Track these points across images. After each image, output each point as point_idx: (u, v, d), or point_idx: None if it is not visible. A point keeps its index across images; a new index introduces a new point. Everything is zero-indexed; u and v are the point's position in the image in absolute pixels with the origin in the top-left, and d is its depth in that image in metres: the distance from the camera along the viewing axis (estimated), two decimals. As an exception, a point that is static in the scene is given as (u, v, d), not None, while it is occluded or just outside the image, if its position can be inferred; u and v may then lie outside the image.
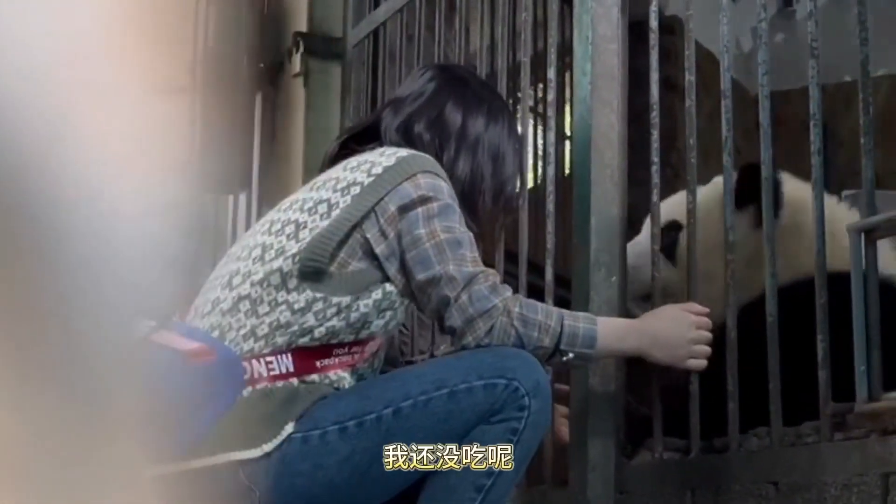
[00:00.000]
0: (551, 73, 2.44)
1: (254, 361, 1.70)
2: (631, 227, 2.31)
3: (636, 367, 2.18)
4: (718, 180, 2.27)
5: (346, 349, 1.75)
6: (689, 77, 2.14)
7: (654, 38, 2.22)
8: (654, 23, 2.23)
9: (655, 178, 2.19)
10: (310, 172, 3.17)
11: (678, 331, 1.91)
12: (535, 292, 2.19)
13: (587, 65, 2.25)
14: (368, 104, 3.20)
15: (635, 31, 2.36)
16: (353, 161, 1.83)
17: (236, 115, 3.63)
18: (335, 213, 1.75)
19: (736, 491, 1.94)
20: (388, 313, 1.78)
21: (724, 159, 2.08)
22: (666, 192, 2.29)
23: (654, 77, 2.20)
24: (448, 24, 2.87)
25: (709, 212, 2.17)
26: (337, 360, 1.74)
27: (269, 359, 1.70)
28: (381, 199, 1.75)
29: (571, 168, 2.40)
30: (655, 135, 2.20)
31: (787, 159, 2.42)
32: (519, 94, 2.69)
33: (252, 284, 1.75)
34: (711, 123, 2.45)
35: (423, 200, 1.76)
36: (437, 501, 1.67)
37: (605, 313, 2.15)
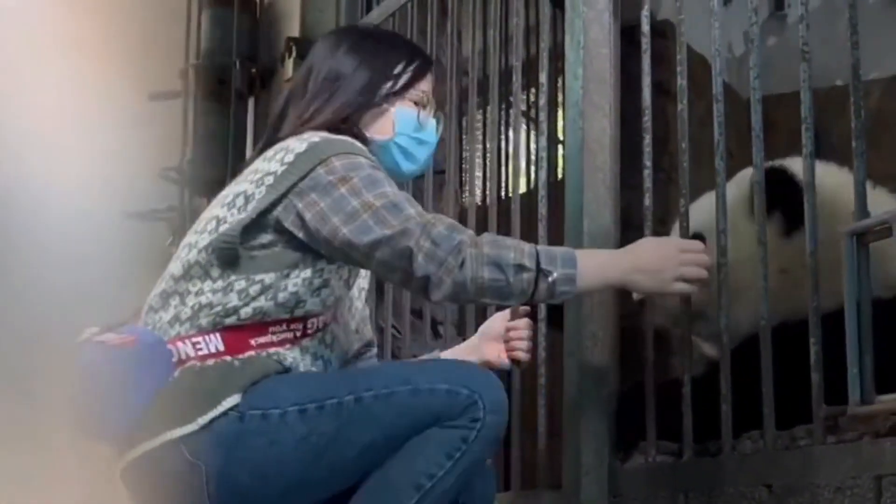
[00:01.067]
0: (543, 78, 2.44)
1: (179, 343, 1.72)
2: (624, 231, 2.31)
3: (629, 371, 2.18)
4: (742, 177, 2.26)
5: (285, 326, 1.75)
6: (681, 81, 2.15)
7: (645, 43, 2.22)
8: (645, 27, 2.23)
9: (648, 183, 2.19)
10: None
11: (663, 252, 1.83)
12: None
13: (579, 69, 2.26)
14: (361, 109, 3.20)
15: (627, 36, 2.36)
16: (269, 151, 1.82)
17: (229, 120, 3.63)
18: (250, 206, 1.75)
19: (729, 494, 1.94)
20: (324, 290, 1.78)
21: (716, 163, 2.08)
22: (658, 196, 2.29)
23: (647, 81, 2.21)
24: (440, 29, 2.87)
25: (735, 224, 2.11)
26: (275, 337, 1.74)
27: (195, 339, 1.72)
28: (294, 184, 1.74)
29: (564, 172, 2.41)
30: (648, 139, 2.20)
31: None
32: (511, 99, 2.69)
33: (174, 280, 1.77)
34: (703, 127, 2.46)
35: (343, 180, 1.73)
36: (375, 494, 1.68)
37: (599, 317, 2.16)
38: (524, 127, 3.74)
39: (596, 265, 1.78)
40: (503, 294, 1.72)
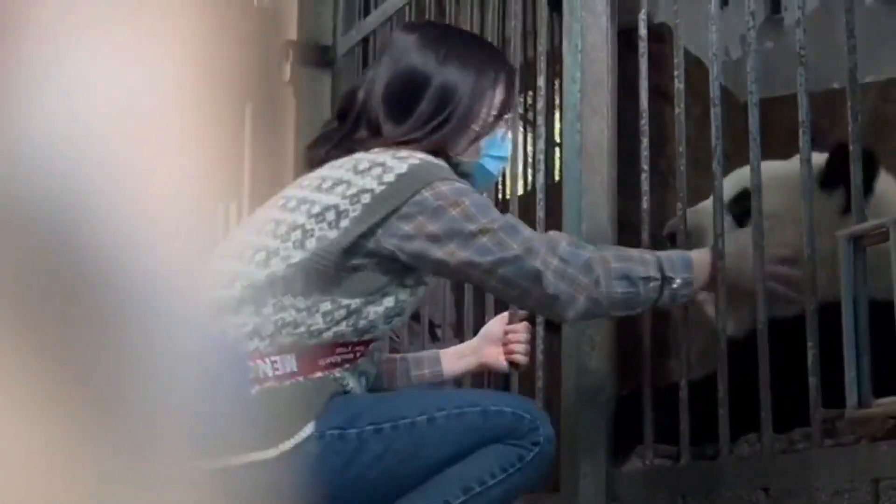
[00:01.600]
0: (541, 81, 2.45)
1: (258, 360, 1.69)
2: (621, 234, 2.31)
3: (627, 375, 2.18)
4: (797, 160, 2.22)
5: (349, 348, 1.74)
6: (679, 85, 2.15)
7: (643, 46, 2.22)
8: (643, 31, 2.24)
9: (645, 186, 2.20)
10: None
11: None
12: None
13: (577, 72, 2.26)
14: (358, 112, 3.20)
15: (624, 39, 2.36)
16: (363, 162, 1.76)
17: (226, 124, 3.62)
18: (343, 223, 1.71)
19: (727, 497, 1.94)
20: (396, 319, 1.78)
21: (713, 167, 2.08)
22: (656, 198, 2.29)
23: (644, 85, 2.21)
24: (438, 33, 2.87)
25: (791, 190, 2.04)
26: (339, 357, 1.73)
27: (273, 358, 1.69)
28: (398, 208, 1.71)
29: (561, 175, 2.41)
30: (645, 142, 2.20)
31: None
32: (509, 102, 2.69)
33: (253, 287, 1.72)
34: (700, 130, 2.46)
35: (455, 205, 1.72)
36: (425, 489, 1.70)
37: (598, 320, 2.16)
38: (522, 130, 3.74)
39: (705, 266, 1.89)
40: (633, 306, 1.80)
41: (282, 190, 1.88)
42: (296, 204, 1.77)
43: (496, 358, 2.04)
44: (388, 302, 1.74)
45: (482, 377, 2.52)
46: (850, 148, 1.85)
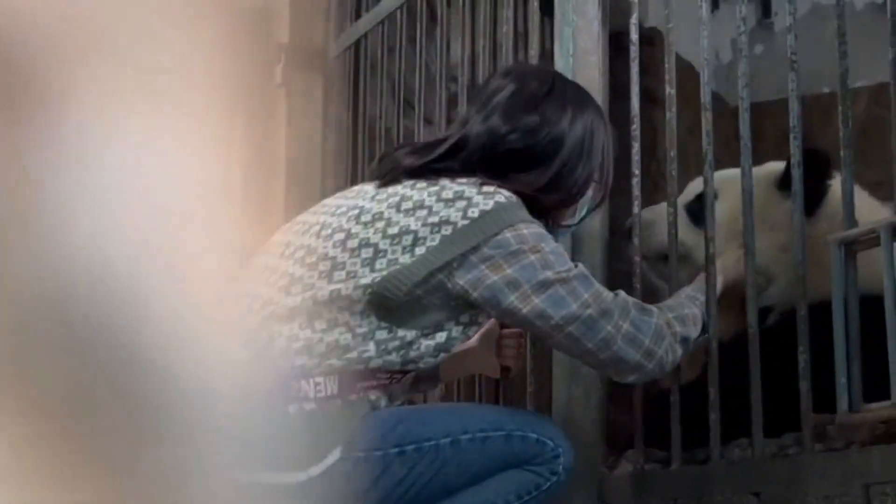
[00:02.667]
0: (532, 85, 2.44)
1: (303, 381, 1.65)
2: (612, 238, 2.31)
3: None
4: (771, 166, 2.31)
5: (390, 375, 1.72)
6: (670, 90, 2.15)
7: (634, 51, 2.22)
8: (634, 35, 2.23)
9: (636, 190, 2.20)
10: (292, 183, 3.16)
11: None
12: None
13: (568, 77, 2.26)
14: (350, 115, 3.20)
15: (615, 43, 2.36)
16: (447, 190, 1.72)
17: (217, 126, 3.61)
18: (419, 250, 1.67)
19: (718, 502, 1.94)
20: (443, 354, 1.75)
21: (704, 172, 2.08)
22: (647, 203, 2.29)
23: (635, 90, 2.21)
24: (429, 37, 2.87)
25: (756, 189, 2.07)
26: (377, 381, 1.70)
27: (318, 380, 1.66)
28: (477, 246, 1.68)
29: (553, 179, 2.40)
30: (636, 147, 2.20)
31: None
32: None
33: (315, 302, 1.67)
34: (691, 134, 2.46)
35: (534, 250, 1.70)
36: None
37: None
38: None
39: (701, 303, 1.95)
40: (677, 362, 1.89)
41: (346, 191, 1.84)
42: (370, 219, 1.72)
43: (490, 363, 2.04)
44: (441, 337, 1.72)
45: (474, 381, 2.52)
46: (842, 153, 1.85)
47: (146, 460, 0.59)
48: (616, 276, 2.38)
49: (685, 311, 1.84)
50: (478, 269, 1.68)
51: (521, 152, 1.79)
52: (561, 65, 2.28)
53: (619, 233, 2.40)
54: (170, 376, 0.60)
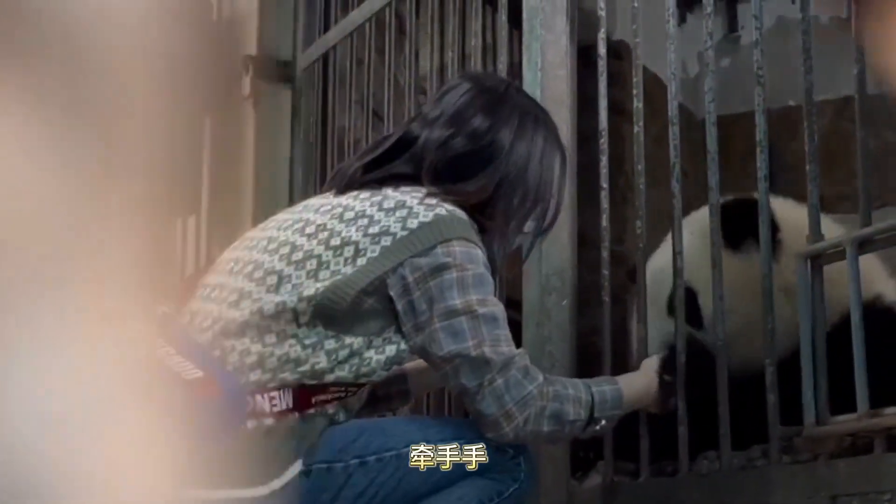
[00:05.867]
0: (501, 98, 2.44)
1: (258, 396, 1.64)
2: (581, 250, 2.32)
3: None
4: (698, 220, 2.25)
5: (345, 388, 1.71)
6: (637, 104, 2.16)
7: (602, 65, 2.23)
8: (602, 50, 2.24)
9: (605, 203, 2.20)
10: (260, 195, 3.15)
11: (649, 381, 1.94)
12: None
13: (537, 90, 2.26)
14: (319, 127, 3.20)
15: (583, 56, 2.37)
16: (389, 200, 1.74)
17: (184, 138, 3.59)
18: (360, 261, 1.69)
19: (686, 514, 1.95)
20: (395, 367, 1.75)
21: (672, 185, 2.09)
22: (615, 215, 2.30)
23: (603, 103, 2.22)
24: (398, 49, 2.87)
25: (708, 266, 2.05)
26: (331, 395, 1.70)
27: (272, 394, 1.65)
28: (412, 256, 1.69)
29: (521, 192, 2.40)
30: (604, 160, 2.21)
31: (734, 183, 2.44)
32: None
33: (262, 316, 1.68)
34: (658, 146, 2.47)
35: (459, 268, 1.69)
36: None
37: (557, 338, 2.16)
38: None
39: (634, 400, 1.88)
40: (554, 441, 1.90)
41: (294, 205, 1.85)
42: (314, 230, 1.74)
43: None
44: (390, 350, 1.71)
45: (443, 394, 2.51)
46: (808, 167, 1.86)
47: None
48: (586, 287, 2.39)
49: (570, 391, 1.75)
50: (406, 279, 1.69)
51: (464, 157, 1.80)
52: (529, 78, 2.29)
53: (588, 244, 2.41)
54: None
